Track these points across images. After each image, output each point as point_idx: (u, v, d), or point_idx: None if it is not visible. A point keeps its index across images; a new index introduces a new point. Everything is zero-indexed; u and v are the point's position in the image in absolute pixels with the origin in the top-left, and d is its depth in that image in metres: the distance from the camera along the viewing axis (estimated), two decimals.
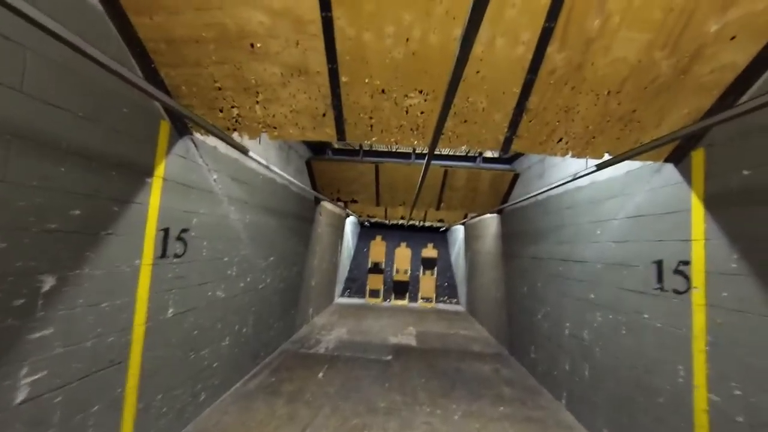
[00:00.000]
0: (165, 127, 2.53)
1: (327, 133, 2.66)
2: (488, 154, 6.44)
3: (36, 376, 1.81)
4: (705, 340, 2.38)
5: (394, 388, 4.39)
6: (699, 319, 2.44)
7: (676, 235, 2.68)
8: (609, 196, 3.58)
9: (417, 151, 6.04)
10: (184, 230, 2.90)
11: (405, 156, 6.10)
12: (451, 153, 6.41)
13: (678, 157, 2.66)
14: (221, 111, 2.49)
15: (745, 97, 2.13)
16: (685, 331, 2.54)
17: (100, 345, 2.16)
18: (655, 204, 2.92)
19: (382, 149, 6.44)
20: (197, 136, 2.91)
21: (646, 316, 2.94)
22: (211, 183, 3.26)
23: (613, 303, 3.37)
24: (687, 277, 2.56)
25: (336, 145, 6.68)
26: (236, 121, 2.57)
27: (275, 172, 4.17)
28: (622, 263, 3.28)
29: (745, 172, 2.14)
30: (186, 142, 2.79)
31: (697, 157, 2.52)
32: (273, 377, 4.47)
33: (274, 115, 2.54)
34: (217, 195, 3.40)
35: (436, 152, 6.26)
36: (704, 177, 2.47)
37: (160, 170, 2.51)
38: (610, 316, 3.40)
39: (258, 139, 3.90)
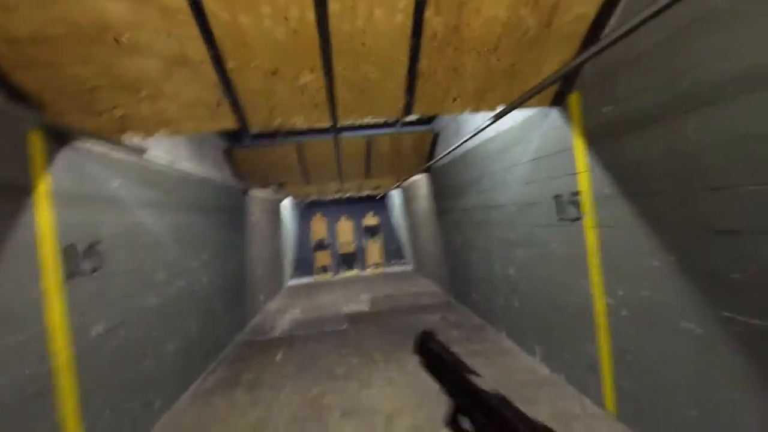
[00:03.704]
0: (37, 139, 2.27)
1: (227, 123, 2.57)
2: (410, 117, 6.57)
3: None
4: (598, 255, 2.79)
5: (351, 354, 4.61)
6: (591, 239, 2.84)
7: (567, 170, 3.03)
8: (513, 143, 3.90)
9: (338, 126, 6.00)
10: (94, 244, 2.71)
11: (326, 131, 6.04)
12: (371, 122, 6.45)
13: (559, 100, 2.96)
14: (101, 114, 2.29)
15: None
16: (582, 251, 2.94)
17: (13, 382, 2.02)
18: (548, 145, 3.25)
19: (301, 128, 6.29)
20: (81, 143, 2.65)
21: (554, 245, 3.34)
22: (114, 191, 3.03)
23: (528, 239, 3.77)
24: (578, 206, 2.94)
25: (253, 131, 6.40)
26: (122, 122, 2.39)
27: (188, 171, 3.95)
28: (530, 202, 3.65)
29: (606, 109, 2.46)
30: (69, 152, 2.54)
31: (573, 99, 2.83)
32: (230, 370, 4.47)
33: (164, 111, 2.39)
34: (125, 202, 3.18)
35: (356, 124, 6.26)
36: (581, 116, 2.79)
37: (42, 186, 2.28)
38: (527, 251, 3.82)
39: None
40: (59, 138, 2.42)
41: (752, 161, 1.67)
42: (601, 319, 2.83)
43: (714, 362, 1.97)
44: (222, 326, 5.19)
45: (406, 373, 3.91)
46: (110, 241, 2.92)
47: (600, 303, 2.83)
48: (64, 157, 2.47)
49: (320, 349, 4.92)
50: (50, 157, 2.35)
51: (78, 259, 2.53)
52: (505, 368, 3.81)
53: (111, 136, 2.40)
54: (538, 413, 2.98)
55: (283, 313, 7.14)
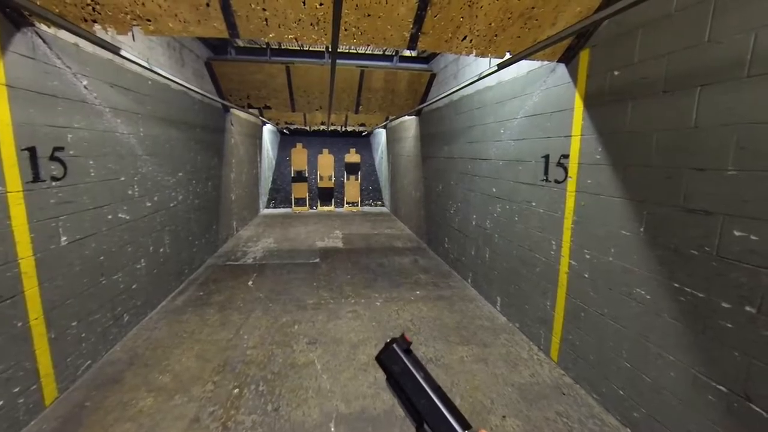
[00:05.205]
0: None
1: (216, 28, 2.31)
2: (406, 52, 6.19)
3: None
4: (572, 219, 2.89)
5: (322, 287, 4.75)
6: (570, 202, 2.91)
7: (561, 131, 3.00)
8: (512, 96, 3.78)
9: (331, 50, 5.59)
10: (59, 149, 2.52)
11: (318, 55, 5.62)
12: (367, 52, 6.03)
13: (569, 57, 2.84)
14: None
15: None
16: (559, 213, 3.03)
17: None
18: (548, 103, 3.18)
19: (292, 47, 5.82)
20: (43, 28, 2.34)
21: (533, 204, 3.42)
22: (81, 91, 2.76)
23: (510, 195, 3.83)
24: (565, 169, 2.96)
25: (240, 43, 5.86)
26: (93, 9, 2.09)
27: (166, 76, 3.61)
28: (519, 159, 3.65)
29: (615, 73, 2.39)
30: (29, 36, 2.24)
31: (584, 57, 2.71)
32: (201, 291, 4.53)
33: (143, 3, 2.11)
34: (95, 105, 2.92)
35: (352, 51, 5.86)
36: (586, 77, 2.70)
37: None
38: (507, 207, 3.89)
39: (130, 34, 3.25)
40: (14, 17, 2.11)
41: (741, 147, 1.69)
42: (563, 278, 3.01)
43: (654, 325, 2.17)
44: (194, 247, 5.16)
45: (373, 309, 4.10)
46: (77, 147, 2.71)
47: (565, 263, 2.98)
48: (21, 41, 2.18)
49: (291, 279, 5.03)
50: (4, 40, 2.06)
51: (40, 164, 2.35)
52: (466, 313, 4.06)
53: (78, 24, 2.12)
54: (490, 354, 3.26)
55: (255, 241, 7.16)
